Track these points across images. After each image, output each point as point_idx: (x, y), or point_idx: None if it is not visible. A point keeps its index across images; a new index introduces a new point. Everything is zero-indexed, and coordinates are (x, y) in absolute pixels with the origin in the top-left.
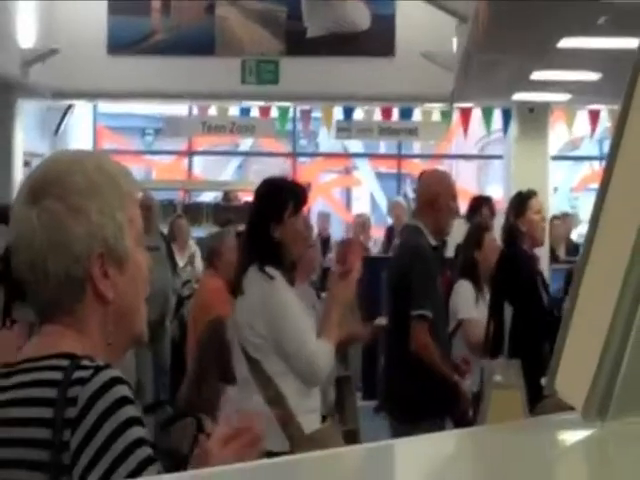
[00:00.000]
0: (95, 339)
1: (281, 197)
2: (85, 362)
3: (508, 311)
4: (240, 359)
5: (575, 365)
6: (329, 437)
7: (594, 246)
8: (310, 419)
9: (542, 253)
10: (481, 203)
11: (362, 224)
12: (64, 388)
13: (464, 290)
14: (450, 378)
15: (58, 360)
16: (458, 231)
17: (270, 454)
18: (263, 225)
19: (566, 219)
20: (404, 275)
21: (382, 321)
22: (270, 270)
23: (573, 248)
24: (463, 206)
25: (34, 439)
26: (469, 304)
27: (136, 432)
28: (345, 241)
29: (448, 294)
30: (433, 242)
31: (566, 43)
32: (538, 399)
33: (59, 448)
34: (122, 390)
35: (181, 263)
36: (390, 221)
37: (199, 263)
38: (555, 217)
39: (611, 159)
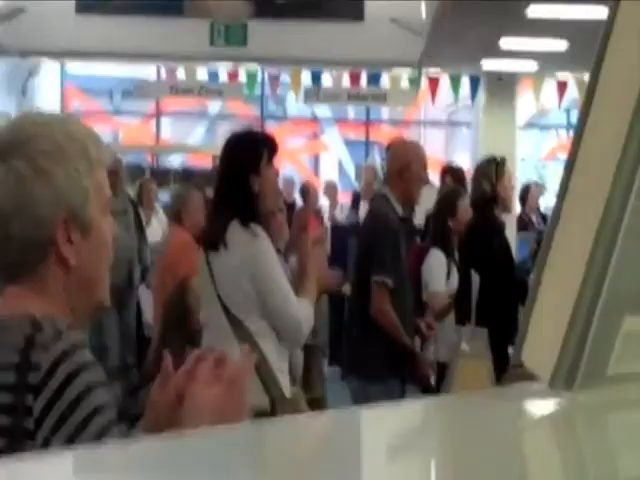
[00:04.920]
0: (57, 302)
1: (257, 147)
2: (47, 326)
3: (476, 279)
4: (216, 315)
5: (542, 335)
6: (300, 400)
7: (562, 215)
8: (284, 381)
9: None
10: (449, 172)
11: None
12: (27, 353)
13: (435, 260)
14: (408, 346)
15: (20, 322)
16: (428, 199)
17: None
18: (242, 178)
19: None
20: (370, 243)
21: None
22: (254, 227)
23: (541, 217)
24: (432, 174)
25: None
26: (440, 276)
27: (99, 396)
28: (299, 209)
29: (419, 263)
30: (400, 211)
31: (534, 10)
32: (505, 367)
33: (22, 413)
34: (84, 355)
35: (148, 226)
36: (358, 187)
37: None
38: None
39: (580, 130)
